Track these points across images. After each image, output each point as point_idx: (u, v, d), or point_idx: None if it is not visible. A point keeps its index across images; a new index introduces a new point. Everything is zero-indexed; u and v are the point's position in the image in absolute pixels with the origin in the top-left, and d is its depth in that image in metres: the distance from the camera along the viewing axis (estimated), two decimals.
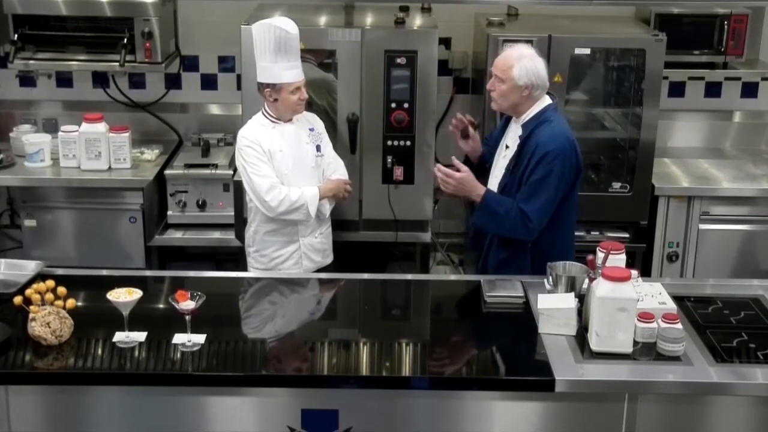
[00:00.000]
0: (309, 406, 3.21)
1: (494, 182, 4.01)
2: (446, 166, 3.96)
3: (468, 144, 4.23)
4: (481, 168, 4.16)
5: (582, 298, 3.44)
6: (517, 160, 3.87)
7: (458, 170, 3.92)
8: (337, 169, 4.43)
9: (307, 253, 4.33)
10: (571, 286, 3.52)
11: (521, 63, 3.80)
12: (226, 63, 5.61)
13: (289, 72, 4.10)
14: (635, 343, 3.26)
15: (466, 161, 4.21)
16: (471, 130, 4.20)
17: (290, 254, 4.30)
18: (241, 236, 4.71)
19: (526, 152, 3.83)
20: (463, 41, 5.53)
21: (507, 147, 3.99)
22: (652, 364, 3.21)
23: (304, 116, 4.32)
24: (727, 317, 3.58)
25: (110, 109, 5.49)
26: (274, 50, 4.06)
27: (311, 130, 4.33)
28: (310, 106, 4.46)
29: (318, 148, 4.32)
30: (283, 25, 4.07)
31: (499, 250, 3.99)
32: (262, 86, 4.17)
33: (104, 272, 3.96)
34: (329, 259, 4.47)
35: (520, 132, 3.89)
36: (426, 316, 3.89)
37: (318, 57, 4.76)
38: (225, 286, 3.87)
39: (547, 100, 3.90)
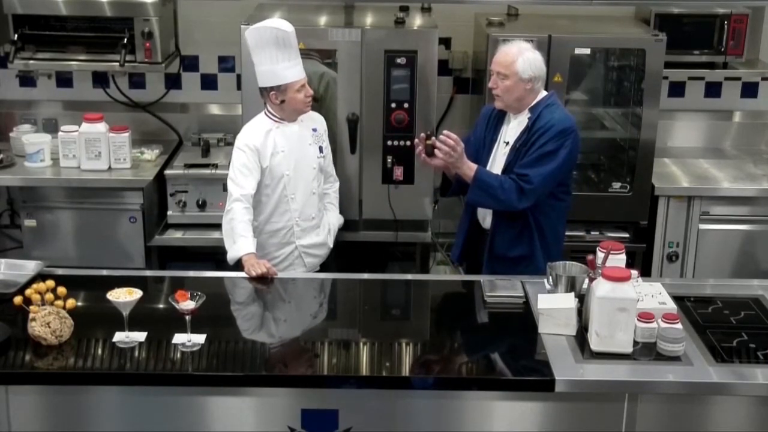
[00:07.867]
0: (309, 406, 3.21)
1: None
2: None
3: (438, 159, 3.91)
4: (462, 184, 4.04)
5: (582, 298, 3.44)
6: (525, 139, 3.90)
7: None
8: (330, 187, 4.45)
9: (307, 251, 4.32)
10: (571, 286, 3.52)
11: (524, 56, 3.87)
12: (226, 63, 5.61)
13: (292, 71, 4.09)
14: (635, 343, 3.26)
15: (444, 181, 4.21)
16: (431, 141, 3.90)
17: (287, 255, 4.29)
18: None
19: (536, 130, 3.88)
20: (463, 41, 5.53)
21: (507, 143, 4.01)
22: (652, 364, 3.21)
23: (308, 116, 4.29)
24: (727, 317, 3.57)
25: (110, 109, 5.48)
26: (274, 51, 4.05)
27: (314, 130, 4.31)
28: (315, 101, 4.43)
29: (321, 149, 4.31)
30: (279, 25, 4.06)
31: (506, 231, 4.01)
32: (266, 90, 4.15)
33: (104, 272, 3.96)
34: (326, 248, 4.41)
35: (524, 121, 3.93)
36: (426, 316, 3.89)
37: (318, 57, 4.76)
38: (225, 286, 3.86)
39: (545, 92, 4.00)
